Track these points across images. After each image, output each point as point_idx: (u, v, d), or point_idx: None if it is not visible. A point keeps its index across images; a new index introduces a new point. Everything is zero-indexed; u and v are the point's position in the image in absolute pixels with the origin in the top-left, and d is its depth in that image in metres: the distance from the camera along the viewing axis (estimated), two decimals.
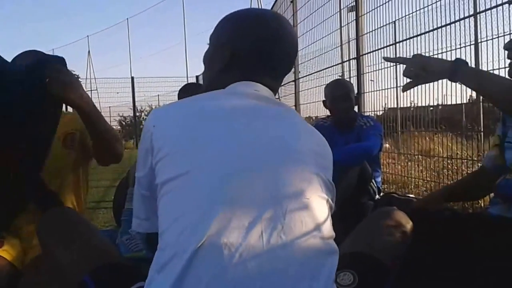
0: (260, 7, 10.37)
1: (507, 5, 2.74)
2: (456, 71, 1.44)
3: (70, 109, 1.69)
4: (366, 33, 4.73)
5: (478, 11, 3.12)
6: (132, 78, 16.34)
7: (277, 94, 1.17)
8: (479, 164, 3.20)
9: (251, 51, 1.11)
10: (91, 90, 17.42)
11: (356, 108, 4.60)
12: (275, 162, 0.94)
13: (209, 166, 0.91)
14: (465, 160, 3.37)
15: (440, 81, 3.50)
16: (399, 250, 1.27)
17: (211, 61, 1.17)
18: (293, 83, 7.27)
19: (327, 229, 0.95)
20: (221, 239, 0.82)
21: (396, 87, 4.37)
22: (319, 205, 0.94)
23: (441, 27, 3.50)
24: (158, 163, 0.95)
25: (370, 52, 4.68)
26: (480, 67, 3.20)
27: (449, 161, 3.59)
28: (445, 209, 1.94)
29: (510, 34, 2.71)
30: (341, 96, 2.92)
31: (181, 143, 0.94)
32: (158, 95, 16.27)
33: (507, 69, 1.59)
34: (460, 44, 3.35)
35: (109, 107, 17.31)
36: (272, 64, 1.13)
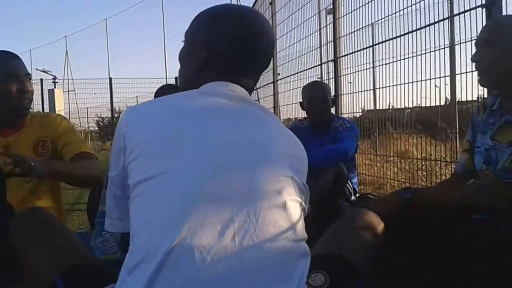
0: None
1: (480, 8, 2.78)
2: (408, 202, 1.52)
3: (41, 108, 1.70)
4: (344, 36, 4.77)
5: (454, 13, 3.15)
6: (110, 79, 16.23)
7: (256, 95, 1.16)
8: (452, 165, 3.26)
9: (228, 51, 1.08)
10: (68, 91, 17.25)
11: (333, 110, 4.67)
12: (250, 164, 0.94)
13: (183, 168, 0.90)
14: (439, 162, 3.42)
15: (416, 83, 3.57)
16: (371, 251, 1.28)
17: (187, 59, 1.15)
18: (272, 84, 7.27)
19: (300, 231, 0.95)
20: (193, 241, 0.82)
21: (374, 89, 4.41)
22: (292, 208, 0.94)
23: (418, 29, 3.53)
24: (130, 163, 0.94)
25: (347, 55, 4.72)
26: (456, 70, 3.24)
27: (423, 163, 3.64)
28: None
29: None
30: (318, 98, 2.94)
31: (155, 143, 0.93)
32: (137, 96, 16.13)
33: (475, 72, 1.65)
34: (435, 47, 3.38)
35: (87, 108, 17.18)
36: (249, 63, 1.11)
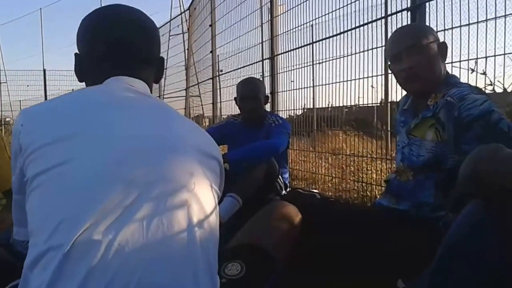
0: (181, 3, 10.24)
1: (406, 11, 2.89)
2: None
3: None
4: (281, 34, 4.83)
5: (387, 14, 3.23)
6: (44, 71, 15.74)
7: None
8: (378, 162, 3.40)
9: (98, 52, 1.12)
10: (0, 83, 16.53)
11: (269, 107, 4.72)
12: (157, 154, 0.94)
13: (88, 157, 0.88)
14: (365, 158, 3.55)
15: (353, 83, 3.64)
16: (287, 242, 1.33)
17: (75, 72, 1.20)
18: (212, 80, 7.24)
19: (212, 219, 0.96)
20: (99, 230, 0.81)
21: (313, 86, 4.47)
22: (204, 195, 0.95)
23: (353, 29, 3.58)
24: (27, 159, 0.91)
25: (284, 53, 4.77)
26: (389, 70, 3.32)
27: (351, 159, 3.77)
28: (334, 201, 2.04)
29: None
30: (249, 95, 3.00)
31: (54, 135, 0.91)
32: (72, 89, 15.62)
33: None
34: (372, 47, 3.44)
35: (20, 100, 16.49)
36: (133, 57, 1.13)
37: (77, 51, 1.18)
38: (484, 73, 2.44)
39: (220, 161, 1.07)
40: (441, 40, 1.76)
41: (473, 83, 2.12)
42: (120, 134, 0.93)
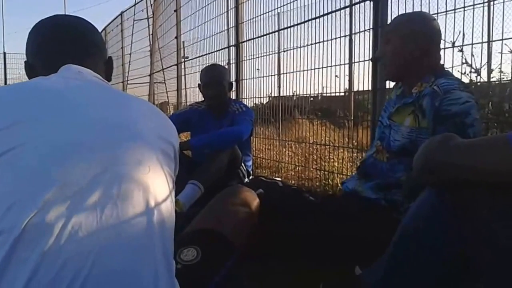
0: None
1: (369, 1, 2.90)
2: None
3: None
4: (247, 21, 4.80)
5: (352, 3, 3.24)
6: (4, 54, 15.34)
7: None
8: (340, 150, 3.44)
9: (57, 47, 1.18)
10: None
11: (234, 94, 4.70)
12: (112, 139, 0.93)
13: (40, 141, 0.87)
14: (328, 146, 3.58)
15: (318, 72, 3.65)
16: (245, 227, 1.33)
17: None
18: (176, 66, 7.16)
19: (167, 204, 0.95)
20: (52, 214, 0.79)
21: (279, 74, 4.47)
22: (159, 180, 0.94)
23: (319, 17, 3.59)
24: None
25: (249, 40, 4.75)
26: (353, 59, 3.35)
27: (314, 147, 3.79)
28: (297, 188, 2.06)
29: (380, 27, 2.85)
30: (212, 82, 2.98)
31: (6, 121, 0.89)
32: None
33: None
34: (337, 36, 3.44)
35: None
36: (84, 50, 1.18)
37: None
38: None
39: (175, 145, 1.06)
40: None
41: None
42: (73, 119, 0.92)
